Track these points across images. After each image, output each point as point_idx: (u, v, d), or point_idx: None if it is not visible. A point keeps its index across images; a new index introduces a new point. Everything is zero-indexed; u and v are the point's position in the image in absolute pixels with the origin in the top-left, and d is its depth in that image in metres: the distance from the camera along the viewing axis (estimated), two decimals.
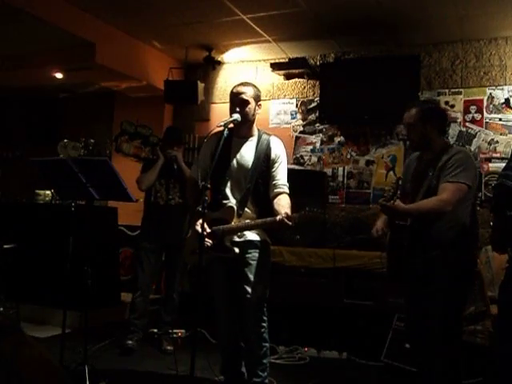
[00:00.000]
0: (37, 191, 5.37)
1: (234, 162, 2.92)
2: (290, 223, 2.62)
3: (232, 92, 2.96)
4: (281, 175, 2.92)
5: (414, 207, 2.66)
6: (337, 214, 5.30)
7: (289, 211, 2.71)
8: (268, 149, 2.92)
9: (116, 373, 3.43)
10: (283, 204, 2.80)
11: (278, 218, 2.65)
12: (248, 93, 2.91)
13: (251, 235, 2.89)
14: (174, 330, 4.46)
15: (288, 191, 2.91)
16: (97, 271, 3.25)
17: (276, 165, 2.92)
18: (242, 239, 2.87)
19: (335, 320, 4.17)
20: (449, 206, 2.61)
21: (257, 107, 2.95)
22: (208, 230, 2.78)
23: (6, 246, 4.06)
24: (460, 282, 2.73)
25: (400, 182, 2.71)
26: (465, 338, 3.42)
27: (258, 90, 3.00)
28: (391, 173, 5.14)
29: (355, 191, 5.29)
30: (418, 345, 2.90)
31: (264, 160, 2.90)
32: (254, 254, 2.86)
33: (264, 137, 2.97)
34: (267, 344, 2.93)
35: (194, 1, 4.35)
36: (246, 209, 2.88)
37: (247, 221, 2.85)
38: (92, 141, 5.98)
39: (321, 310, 4.22)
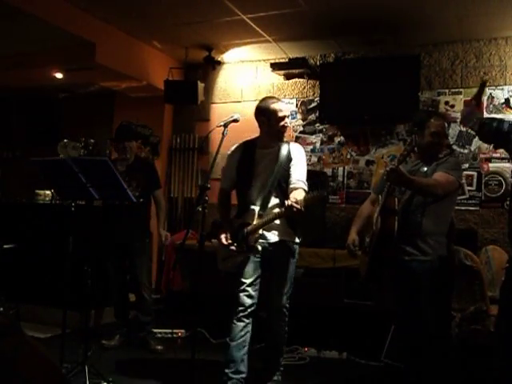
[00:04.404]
0: (37, 191, 5.36)
1: (257, 171, 3.13)
2: (299, 206, 2.76)
3: (278, 111, 3.10)
4: (297, 174, 3.10)
5: (414, 178, 2.78)
6: (337, 214, 5.30)
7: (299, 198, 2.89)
8: (288, 154, 3.13)
9: (116, 373, 3.42)
10: (298, 192, 3.01)
11: (286, 204, 2.81)
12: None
13: (281, 236, 3.10)
14: (174, 330, 4.47)
15: (303, 186, 3.09)
16: (97, 271, 3.25)
17: (293, 165, 3.12)
18: (273, 240, 3.10)
19: (335, 320, 4.17)
20: (440, 190, 2.74)
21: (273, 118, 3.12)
22: (226, 241, 3.07)
23: (5, 246, 4.06)
24: (443, 277, 2.80)
25: (414, 143, 2.81)
26: (465, 338, 3.42)
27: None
28: None
29: (355, 191, 5.29)
30: (406, 341, 2.93)
31: (286, 165, 3.11)
32: (283, 255, 3.11)
33: (284, 145, 3.16)
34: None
35: (194, 1, 4.35)
36: (270, 209, 3.07)
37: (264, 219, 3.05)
38: (92, 141, 5.98)
39: (321, 309, 4.22)
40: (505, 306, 2.40)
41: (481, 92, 2.33)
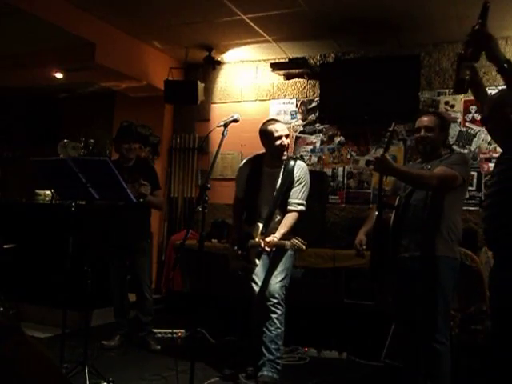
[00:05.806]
0: (37, 191, 5.37)
1: (262, 189, 3.42)
2: (268, 250, 3.23)
3: (273, 131, 3.33)
4: (297, 194, 3.37)
5: (404, 167, 2.76)
6: (337, 214, 5.30)
7: (283, 231, 3.26)
8: (292, 175, 3.38)
9: (116, 373, 3.42)
10: (284, 223, 3.32)
11: (260, 242, 3.21)
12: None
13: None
14: (174, 330, 4.47)
15: (298, 209, 3.36)
16: (97, 271, 3.25)
17: (295, 186, 3.37)
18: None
19: (335, 320, 4.17)
20: (435, 181, 2.69)
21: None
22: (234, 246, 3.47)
23: (5, 246, 4.07)
24: (441, 276, 2.77)
25: (393, 129, 2.94)
26: (465, 338, 3.43)
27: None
28: None
29: (355, 191, 5.29)
30: (406, 341, 2.93)
31: (288, 185, 3.37)
32: (281, 253, 3.37)
33: (290, 164, 3.41)
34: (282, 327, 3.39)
35: (194, 1, 4.35)
36: (273, 226, 3.36)
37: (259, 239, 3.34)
38: (92, 141, 5.99)
39: (321, 310, 4.22)
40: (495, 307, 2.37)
41: (485, 13, 2.10)
